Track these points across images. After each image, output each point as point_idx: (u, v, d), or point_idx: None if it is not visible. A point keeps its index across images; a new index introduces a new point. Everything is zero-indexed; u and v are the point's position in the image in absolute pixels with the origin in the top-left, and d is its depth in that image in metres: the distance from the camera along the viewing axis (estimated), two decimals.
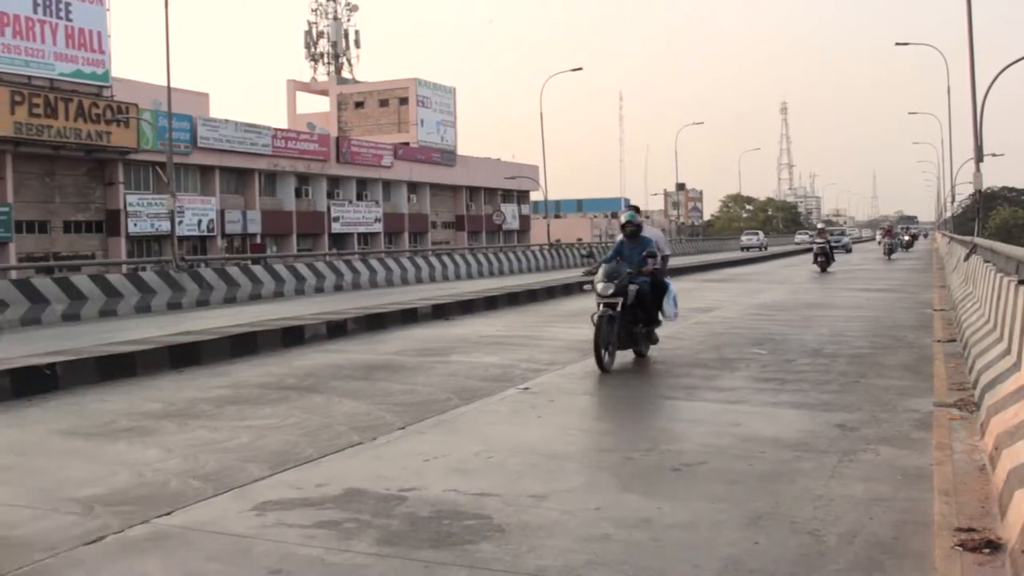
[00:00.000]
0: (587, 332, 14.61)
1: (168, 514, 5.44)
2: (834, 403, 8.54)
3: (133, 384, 10.50)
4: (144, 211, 47.35)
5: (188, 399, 9.44)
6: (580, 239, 77.23)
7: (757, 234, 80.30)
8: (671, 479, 6.07)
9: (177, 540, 5.03)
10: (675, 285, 12.25)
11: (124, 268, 32.19)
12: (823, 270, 33.98)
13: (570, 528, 5.06)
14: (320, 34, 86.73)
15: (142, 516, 5.39)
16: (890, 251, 48.14)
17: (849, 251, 60.29)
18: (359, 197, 64.79)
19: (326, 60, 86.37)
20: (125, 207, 46.57)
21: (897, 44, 52.72)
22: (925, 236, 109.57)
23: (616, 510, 5.38)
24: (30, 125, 40.74)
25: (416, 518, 5.28)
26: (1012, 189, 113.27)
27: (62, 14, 43.51)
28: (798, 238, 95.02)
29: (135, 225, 47.05)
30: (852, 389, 9.29)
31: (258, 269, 28.66)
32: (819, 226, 45.27)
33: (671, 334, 14.35)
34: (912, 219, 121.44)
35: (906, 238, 66.87)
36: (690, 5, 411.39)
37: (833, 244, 51.60)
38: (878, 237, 66.23)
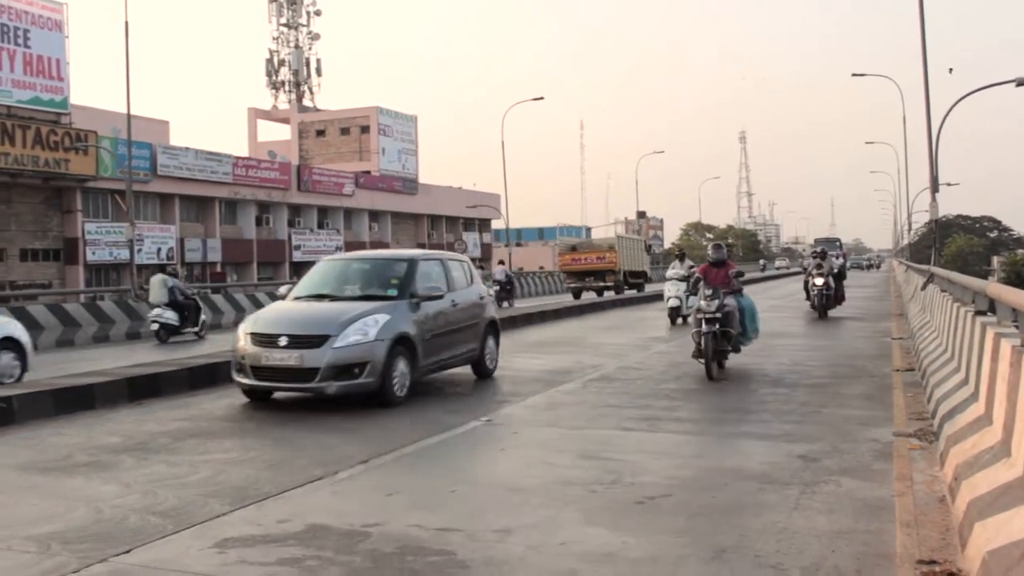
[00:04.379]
0: (549, 362, 14.64)
1: (127, 552, 5.36)
2: (796, 433, 8.59)
3: (91, 417, 10.34)
4: (103, 239, 46.89)
5: (147, 432, 9.31)
6: (542, 267, 77.35)
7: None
8: (635, 512, 6.07)
9: None
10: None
11: (82, 297, 31.85)
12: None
13: (535, 564, 5.04)
14: (281, 62, 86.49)
15: (100, 554, 5.30)
16: (712, 353, 12.41)
17: None
18: (320, 225, 64.61)
19: (287, 88, 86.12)
20: (83, 235, 46.10)
21: (853, 75, 53.32)
22: (878, 267, 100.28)
23: (581, 545, 5.37)
24: None
25: (379, 555, 5.23)
26: (967, 217, 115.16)
27: (20, 41, 43.14)
28: (778, 263, 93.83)
29: (93, 253, 46.57)
30: (813, 419, 9.35)
31: (218, 298, 28.49)
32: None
33: (633, 364, 14.39)
34: (834, 241, 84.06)
35: (818, 282, 24.50)
36: (650, 36, 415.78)
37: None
38: (668, 288, 23.16)
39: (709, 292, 12.73)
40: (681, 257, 24.66)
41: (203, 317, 22.35)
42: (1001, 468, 5.09)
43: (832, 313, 24.29)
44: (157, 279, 22.05)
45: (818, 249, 27.80)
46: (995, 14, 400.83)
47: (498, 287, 32.87)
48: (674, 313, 22.48)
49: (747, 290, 15.14)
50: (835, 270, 25.34)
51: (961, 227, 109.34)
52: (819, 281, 24.42)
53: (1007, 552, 4.16)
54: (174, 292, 21.67)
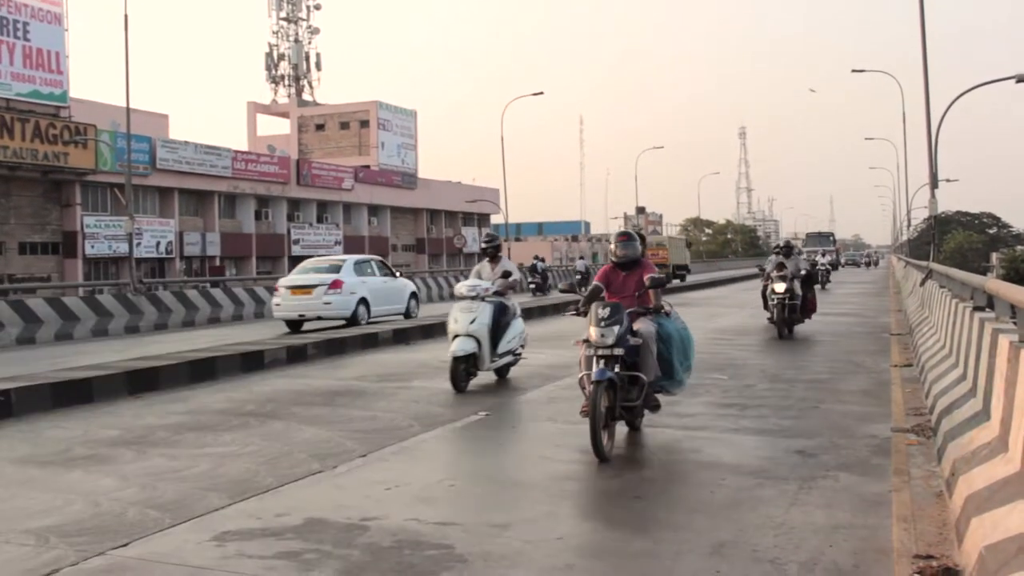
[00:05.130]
0: (550, 356, 14.62)
1: (125, 545, 5.36)
2: (794, 429, 8.60)
3: (89, 410, 10.35)
4: (102, 233, 46.86)
5: (146, 426, 9.32)
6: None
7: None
8: (633, 508, 6.08)
9: (135, 572, 4.95)
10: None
11: (81, 291, 31.86)
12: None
13: (533, 558, 5.05)
14: (281, 56, 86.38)
15: (98, 548, 5.30)
16: (606, 412, 7.42)
17: None
18: (319, 220, 64.58)
19: (287, 82, 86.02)
20: (82, 229, 46.06)
21: (853, 71, 53.31)
22: (876, 264, 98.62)
23: (579, 539, 5.38)
24: None
25: (377, 548, 5.24)
26: (966, 213, 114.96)
27: (20, 34, 43.09)
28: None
29: (92, 247, 46.53)
30: (811, 415, 9.36)
31: (217, 292, 28.45)
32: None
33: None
34: (827, 236, 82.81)
35: (778, 289, 17.90)
36: (650, 31, 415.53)
37: None
38: (455, 318, 12.09)
39: (606, 313, 7.69)
40: (493, 254, 12.67)
41: None
42: (998, 463, 5.10)
43: (800, 330, 18.46)
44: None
45: (780, 244, 20.77)
46: (995, 10, 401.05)
47: (579, 276, 41.23)
48: (460, 368, 11.35)
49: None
50: (803, 272, 18.81)
51: (960, 223, 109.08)
52: (780, 288, 17.82)
53: (1004, 547, 4.17)
54: None
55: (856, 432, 8.40)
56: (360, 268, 22.14)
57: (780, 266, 18.34)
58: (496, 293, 12.00)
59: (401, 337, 17.94)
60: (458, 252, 76.36)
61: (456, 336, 11.54)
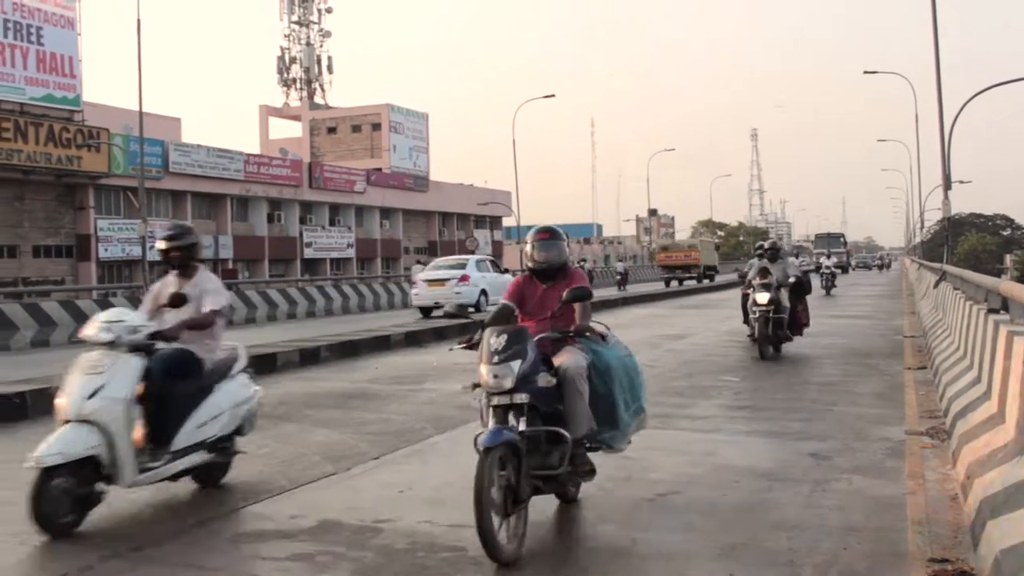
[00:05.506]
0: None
1: (140, 548, 5.38)
2: (807, 431, 8.57)
3: None
4: (115, 236, 47.06)
5: None
6: None
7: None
8: (646, 510, 6.07)
9: (151, 573, 4.97)
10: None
11: (94, 294, 32.02)
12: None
13: (546, 561, 5.05)
14: (293, 60, 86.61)
15: (113, 550, 5.32)
16: (507, 489, 5.06)
17: None
18: (331, 223, 64.69)
19: (299, 86, 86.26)
20: (95, 232, 46.26)
21: (866, 72, 53.13)
22: (888, 267, 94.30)
23: (592, 542, 5.37)
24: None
25: (391, 550, 5.25)
26: (980, 215, 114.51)
27: (33, 38, 43.30)
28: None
29: (106, 250, 46.73)
30: (824, 417, 9.33)
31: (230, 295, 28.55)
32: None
33: (646, 361, 14.36)
34: (837, 237, 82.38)
35: (760, 300, 14.44)
36: (661, 32, 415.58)
37: None
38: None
39: (500, 343, 5.28)
40: (183, 261, 7.40)
41: None
42: (1014, 466, 5.08)
43: (789, 348, 15.29)
44: None
45: (764, 246, 16.66)
46: (1009, 10, 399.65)
47: (619, 276, 48.81)
48: (59, 488, 5.55)
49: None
50: (791, 279, 15.67)
51: (974, 225, 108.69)
52: (762, 299, 14.47)
53: (1020, 551, 4.15)
54: None
55: (870, 435, 8.37)
56: (479, 266, 27.69)
57: (764, 272, 15.07)
58: (158, 335, 6.40)
59: (413, 339, 17.98)
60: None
61: (66, 422, 5.92)
